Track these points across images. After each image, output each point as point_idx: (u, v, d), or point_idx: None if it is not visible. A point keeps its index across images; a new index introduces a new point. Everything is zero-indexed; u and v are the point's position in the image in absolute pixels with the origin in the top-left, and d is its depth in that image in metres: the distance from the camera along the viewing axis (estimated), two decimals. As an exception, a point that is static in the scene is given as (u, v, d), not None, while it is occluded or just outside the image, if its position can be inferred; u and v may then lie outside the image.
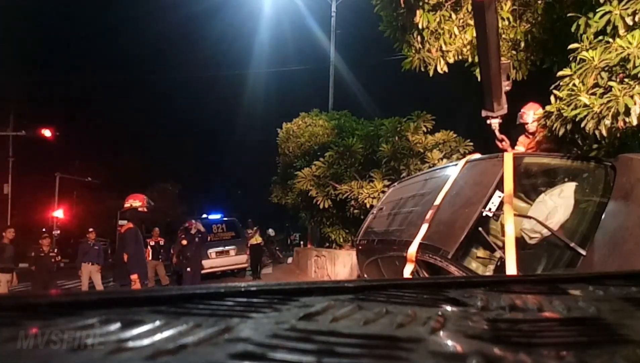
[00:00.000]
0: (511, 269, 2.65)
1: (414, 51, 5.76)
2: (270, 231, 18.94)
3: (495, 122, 3.81)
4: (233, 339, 0.43)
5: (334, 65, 16.04)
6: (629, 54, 2.99)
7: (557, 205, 2.96)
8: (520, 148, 4.19)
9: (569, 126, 3.26)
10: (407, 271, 3.18)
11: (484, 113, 3.86)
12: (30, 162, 26.76)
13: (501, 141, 3.94)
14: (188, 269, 9.47)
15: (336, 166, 9.11)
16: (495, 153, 3.83)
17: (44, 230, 16.72)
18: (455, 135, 8.35)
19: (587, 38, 3.67)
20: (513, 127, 4.38)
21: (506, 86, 3.74)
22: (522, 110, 4.30)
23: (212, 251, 12.82)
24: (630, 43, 3.04)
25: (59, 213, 26.42)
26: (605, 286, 0.75)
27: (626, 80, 2.99)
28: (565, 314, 0.56)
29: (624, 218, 2.58)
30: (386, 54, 12.61)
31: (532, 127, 4.26)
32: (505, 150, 3.82)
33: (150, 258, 10.04)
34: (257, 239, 13.95)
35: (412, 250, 3.19)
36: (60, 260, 10.02)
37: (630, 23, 3.36)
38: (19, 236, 10.56)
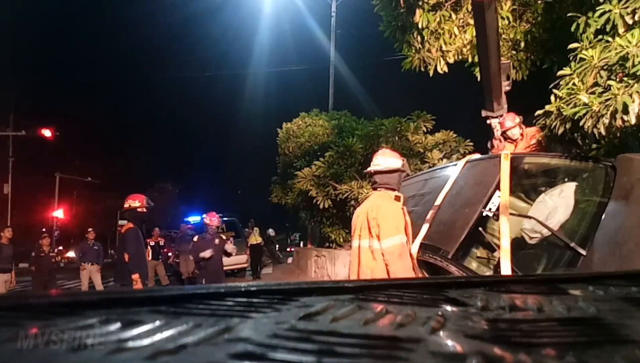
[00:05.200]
0: (506, 272, 2.65)
1: (414, 51, 5.77)
2: (270, 231, 18.95)
3: (495, 122, 3.82)
4: (233, 339, 0.43)
5: (334, 65, 16.05)
6: (628, 53, 3.00)
7: (557, 205, 2.96)
8: (511, 137, 4.19)
9: (568, 125, 3.27)
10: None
11: (484, 113, 3.87)
12: (30, 162, 26.78)
13: (498, 140, 3.95)
14: (203, 281, 7.22)
15: (336, 166, 9.11)
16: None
17: (44, 229, 16.74)
18: (455, 135, 8.36)
19: (587, 37, 3.67)
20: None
21: (506, 86, 3.76)
22: (500, 120, 4.35)
23: (211, 252, 12.82)
24: (629, 42, 3.04)
25: (59, 213, 26.44)
26: (605, 286, 0.75)
27: (625, 79, 2.99)
28: (565, 314, 0.56)
29: (624, 218, 2.58)
30: (386, 54, 12.63)
31: (515, 133, 4.29)
32: (498, 149, 3.82)
33: (150, 258, 10.04)
34: (257, 239, 13.96)
35: (413, 250, 3.18)
36: (60, 260, 10.01)
37: (630, 22, 3.37)
38: (19, 236, 10.55)
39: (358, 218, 3.18)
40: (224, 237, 7.45)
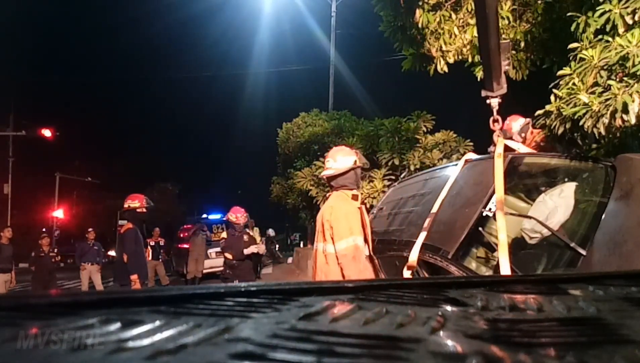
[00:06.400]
0: (505, 271, 2.65)
1: (413, 51, 5.78)
2: (270, 231, 18.96)
3: (494, 102, 3.80)
4: (233, 339, 0.43)
5: (334, 65, 16.07)
6: (628, 53, 3.00)
7: (557, 205, 2.96)
8: (516, 141, 4.18)
9: (567, 125, 3.27)
10: (407, 274, 3.18)
11: (483, 93, 3.85)
12: (30, 162, 26.80)
13: (495, 121, 3.91)
14: (236, 282, 6.33)
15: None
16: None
17: (44, 229, 16.75)
18: (455, 135, 8.36)
19: (587, 37, 3.67)
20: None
21: (505, 65, 3.74)
22: (507, 122, 4.34)
23: (212, 251, 12.85)
24: (629, 42, 3.04)
25: (59, 213, 26.45)
26: (605, 286, 0.75)
27: (625, 79, 2.99)
28: (565, 314, 0.56)
29: (624, 218, 2.58)
30: (386, 54, 12.65)
31: (519, 137, 4.30)
32: (495, 132, 3.80)
33: (150, 258, 10.04)
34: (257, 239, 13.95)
35: (413, 258, 3.17)
36: (60, 260, 10.02)
37: (630, 22, 3.37)
38: (19, 236, 10.55)
39: (318, 221, 3.07)
40: (251, 233, 7.16)
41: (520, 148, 3.87)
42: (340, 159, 3.07)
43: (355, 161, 3.07)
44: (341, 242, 2.86)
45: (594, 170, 3.18)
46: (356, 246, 2.88)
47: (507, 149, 3.62)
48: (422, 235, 3.23)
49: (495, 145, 3.73)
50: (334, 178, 3.05)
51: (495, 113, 3.83)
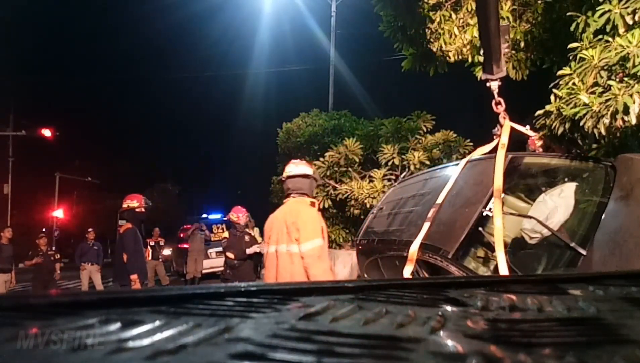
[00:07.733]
0: (502, 268, 2.66)
1: (413, 50, 5.78)
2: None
3: (494, 85, 3.80)
4: (233, 339, 0.43)
5: (334, 65, 16.05)
6: (628, 53, 3.00)
7: (557, 205, 2.96)
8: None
9: (568, 125, 3.26)
10: (407, 271, 3.18)
11: (483, 76, 3.85)
12: (30, 162, 26.77)
13: (498, 104, 3.88)
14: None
15: (336, 167, 9.11)
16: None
17: (43, 229, 16.74)
18: (455, 135, 8.36)
19: (587, 37, 3.68)
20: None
21: (505, 48, 3.74)
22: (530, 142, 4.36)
23: (212, 251, 12.85)
24: (629, 42, 3.04)
25: (59, 213, 26.45)
26: (605, 286, 0.75)
27: (625, 79, 2.99)
28: (565, 314, 0.56)
29: (624, 218, 2.58)
30: (386, 54, 12.65)
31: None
32: (499, 114, 3.80)
33: (150, 258, 10.03)
34: (257, 239, 13.93)
35: (414, 249, 3.18)
36: (59, 259, 10.00)
37: (630, 22, 3.37)
38: (19, 236, 10.54)
39: (273, 223, 3.25)
40: (252, 233, 7.15)
41: (528, 132, 3.86)
42: (302, 167, 3.41)
43: (314, 172, 3.43)
44: (307, 243, 3.03)
45: (594, 170, 3.18)
46: (322, 246, 3.08)
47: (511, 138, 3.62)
48: (426, 225, 3.25)
49: (501, 126, 3.73)
50: (294, 178, 3.32)
51: (496, 96, 3.83)
